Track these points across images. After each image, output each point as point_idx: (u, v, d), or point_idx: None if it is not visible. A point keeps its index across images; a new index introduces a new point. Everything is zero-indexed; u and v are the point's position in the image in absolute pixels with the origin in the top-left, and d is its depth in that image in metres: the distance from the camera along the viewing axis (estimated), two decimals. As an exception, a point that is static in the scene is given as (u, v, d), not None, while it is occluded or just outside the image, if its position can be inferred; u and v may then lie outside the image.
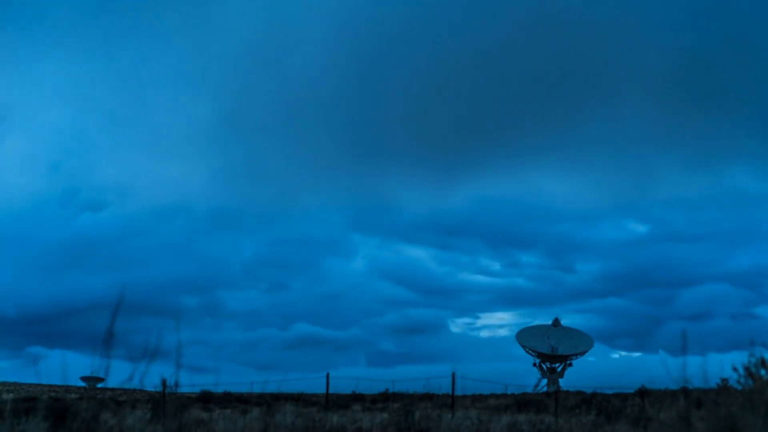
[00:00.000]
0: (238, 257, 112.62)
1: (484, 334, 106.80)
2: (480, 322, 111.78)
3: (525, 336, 62.28)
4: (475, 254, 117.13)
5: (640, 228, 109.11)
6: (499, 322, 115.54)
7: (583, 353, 61.30)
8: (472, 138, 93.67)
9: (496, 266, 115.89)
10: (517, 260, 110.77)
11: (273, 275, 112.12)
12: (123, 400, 30.65)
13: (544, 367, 61.91)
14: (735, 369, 7.89)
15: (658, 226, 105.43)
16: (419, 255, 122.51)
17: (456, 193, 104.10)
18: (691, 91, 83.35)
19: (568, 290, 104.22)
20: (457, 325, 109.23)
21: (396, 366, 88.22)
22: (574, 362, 61.59)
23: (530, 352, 61.50)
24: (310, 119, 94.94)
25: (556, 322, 62.90)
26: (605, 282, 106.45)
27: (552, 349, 60.20)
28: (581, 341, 61.78)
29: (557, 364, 61.77)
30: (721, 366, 8.26)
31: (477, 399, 35.31)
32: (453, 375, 24.10)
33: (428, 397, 26.27)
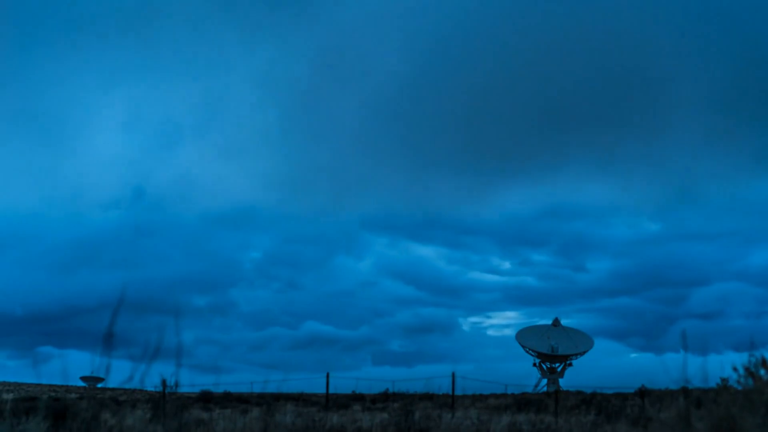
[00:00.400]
0: (250, 256, 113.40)
1: (494, 333, 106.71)
2: (490, 322, 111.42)
3: (525, 336, 62.32)
4: (485, 253, 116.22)
5: (653, 226, 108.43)
6: (509, 322, 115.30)
7: (583, 353, 61.33)
8: (509, 146, 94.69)
9: (506, 265, 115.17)
10: (528, 259, 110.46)
11: (285, 274, 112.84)
12: (123, 399, 30.66)
13: (544, 367, 61.93)
14: (735, 369, 7.89)
15: (671, 225, 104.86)
16: (430, 254, 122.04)
17: (479, 198, 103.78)
18: (715, 95, 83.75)
19: (579, 289, 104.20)
20: (468, 325, 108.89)
21: (404, 365, 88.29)
22: (574, 362, 61.65)
23: (530, 352, 61.53)
24: (361, 125, 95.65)
25: (556, 322, 62.91)
26: (617, 281, 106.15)
27: (552, 349, 60.22)
28: (581, 341, 61.80)
29: (557, 364, 61.80)
30: (721, 366, 8.26)
31: (477, 399, 35.31)
32: (453, 375, 24.13)
33: (428, 397, 26.26)
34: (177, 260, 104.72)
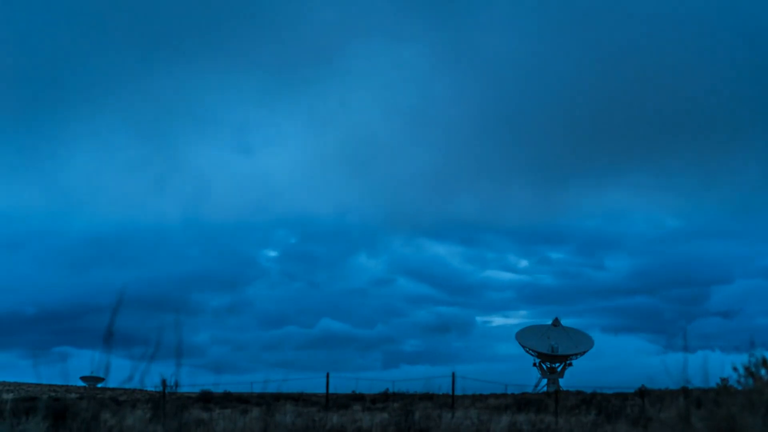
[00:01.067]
0: (267, 254, 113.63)
1: (511, 332, 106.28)
2: (508, 321, 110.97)
3: (525, 336, 62.30)
4: (502, 251, 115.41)
5: (673, 223, 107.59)
6: (526, 321, 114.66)
7: (583, 353, 61.33)
8: (559, 154, 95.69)
9: (524, 263, 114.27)
10: (547, 257, 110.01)
11: (302, 272, 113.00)
12: (123, 399, 30.65)
13: (544, 366, 61.93)
14: (735, 369, 7.89)
15: (691, 222, 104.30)
16: (448, 252, 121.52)
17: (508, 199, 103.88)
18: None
19: (597, 287, 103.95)
20: (488, 324, 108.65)
21: (421, 365, 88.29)
22: (574, 362, 61.66)
23: (530, 351, 61.52)
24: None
25: (555, 322, 62.91)
26: (636, 279, 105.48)
27: (552, 349, 60.21)
28: (581, 341, 61.81)
29: (557, 364, 61.79)
30: (721, 365, 8.26)
31: (477, 399, 35.31)
32: (453, 375, 24.12)
33: (428, 397, 26.25)
34: (196, 259, 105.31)
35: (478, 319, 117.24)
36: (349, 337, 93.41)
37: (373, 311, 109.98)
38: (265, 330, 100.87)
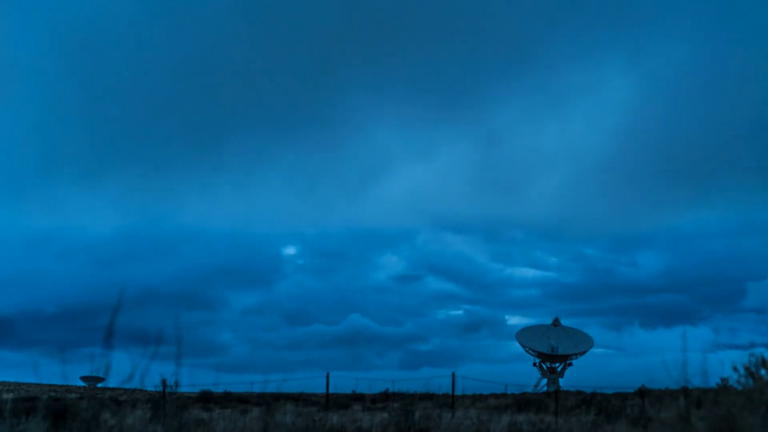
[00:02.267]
0: (292, 252, 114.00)
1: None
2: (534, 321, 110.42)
3: (525, 336, 62.30)
4: (532, 247, 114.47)
5: (707, 220, 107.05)
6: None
7: (582, 353, 61.33)
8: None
9: (553, 260, 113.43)
10: (582, 253, 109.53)
11: (326, 268, 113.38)
12: (123, 399, 30.65)
13: (544, 366, 61.93)
14: (735, 369, 7.89)
15: (725, 219, 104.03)
16: (476, 249, 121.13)
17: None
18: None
19: (629, 284, 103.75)
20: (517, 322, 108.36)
21: (444, 363, 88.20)
22: (574, 362, 61.66)
23: (530, 351, 61.52)
24: None
25: (556, 322, 62.92)
26: (666, 277, 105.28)
27: (552, 349, 60.21)
28: (581, 341, 61.81)
29: (557, 364, 61.79)
30: (721, 365, 8.25)
31: (477, 399, 35.31)
32: (453, 375, 24.12)
33: (428, 397, 26.24)
34: (221, 255, 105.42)
35: (512, 316, 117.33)
36: (376, 335, 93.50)
37: (399, 309, 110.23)
38: (290, 328, 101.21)
